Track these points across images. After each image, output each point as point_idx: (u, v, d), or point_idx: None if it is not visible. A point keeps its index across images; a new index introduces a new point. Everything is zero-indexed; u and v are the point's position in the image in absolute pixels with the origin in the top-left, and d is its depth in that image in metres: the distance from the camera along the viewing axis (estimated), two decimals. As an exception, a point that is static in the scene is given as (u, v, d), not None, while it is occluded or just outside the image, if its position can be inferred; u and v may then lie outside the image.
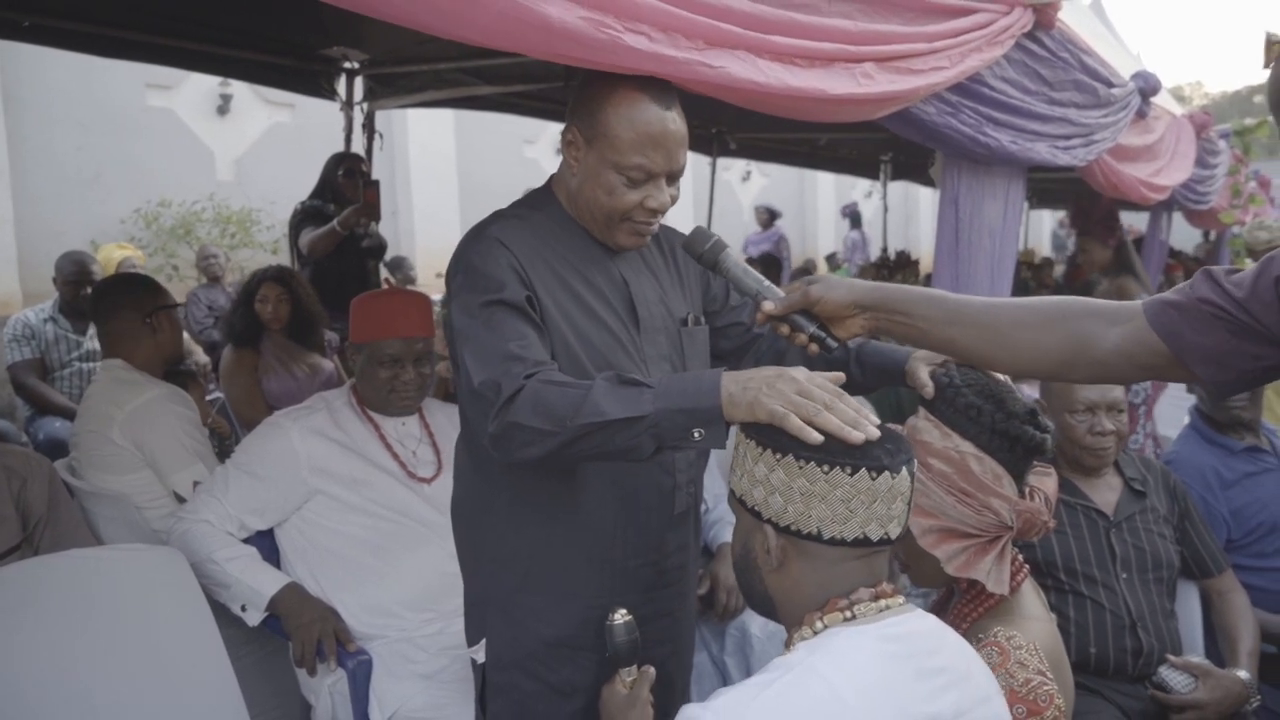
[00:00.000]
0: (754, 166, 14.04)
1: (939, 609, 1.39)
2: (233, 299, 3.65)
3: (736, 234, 11.83)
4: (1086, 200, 4.77)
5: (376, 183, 3.76)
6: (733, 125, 5.26)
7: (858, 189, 15.09)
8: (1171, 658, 1.85)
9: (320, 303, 3.50)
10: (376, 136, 4.14)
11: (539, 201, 1.44)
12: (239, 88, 8.59)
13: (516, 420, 1.16)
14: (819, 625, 1.01)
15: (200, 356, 4.61)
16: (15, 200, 7.22)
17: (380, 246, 4.24)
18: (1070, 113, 2.70)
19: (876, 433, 1.02)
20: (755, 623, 2.09)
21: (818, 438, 0.99)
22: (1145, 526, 1.98)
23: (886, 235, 8.78)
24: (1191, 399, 2.53)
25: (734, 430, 1.13)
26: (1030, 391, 3.07)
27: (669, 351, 1.43)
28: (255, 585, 1.86)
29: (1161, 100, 4.06)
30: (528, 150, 11.59)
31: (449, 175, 10.55)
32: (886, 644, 0.97)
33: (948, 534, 1.20)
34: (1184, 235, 7.89)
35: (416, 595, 1.93)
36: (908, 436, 1.26)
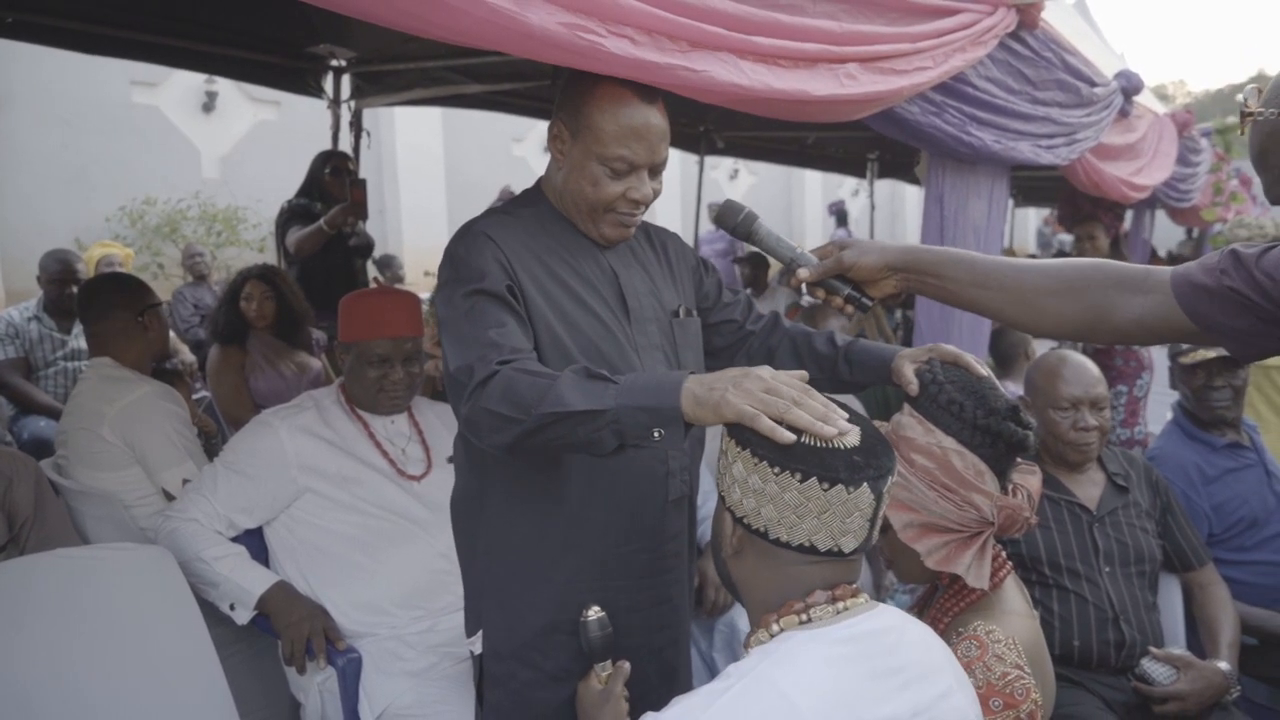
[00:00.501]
0: (742, 165, 14.06)
1: (922, 604, 1.40)
2: (218, 297, 3.63)
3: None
4: (1082, 198, 4.84)
5: (363, 181, 3.75)
6: (720, 124, 5.28)
7: (845, 187, 15.15)
8: (1154, 650, 1.88)
9: (307, 301, 3.49)
10: (364, 135, 4.13)
11: (528, 200, 1.47)
12: (225, 85, 8.55)
13: (486, 406, 1.18)
14: (775, 629, 1.01)
15: (186, 355, 4.58)
16: (-1, 198, 7.17)
17: (368, 245, 4.24)
18: (1053, 112, 2.72)
19: (848, 427, 1.00)
20: (743, 619, 2.10)
21: (789, 437, 0.98)
22: (1128, 521, 2.01)
23: (873, 233, 8.83)
24: (1175, 395, 2.55)
25: None
26: (1014, 388, 3.10)
27: (660, 342, 1.45)
28: (244, 584, 1.86)
29: (1144, 99, 4.10)
30: (515, 149, 11.57)
31: (436, 173, 10.53)
32: (841, 647, 0.96)
33: (929, 529, 1.22)
34: (1167, 233, 7.97)
35: (406, 593, 1.93)
36: (892, 432, 1.28)
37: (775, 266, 8.68)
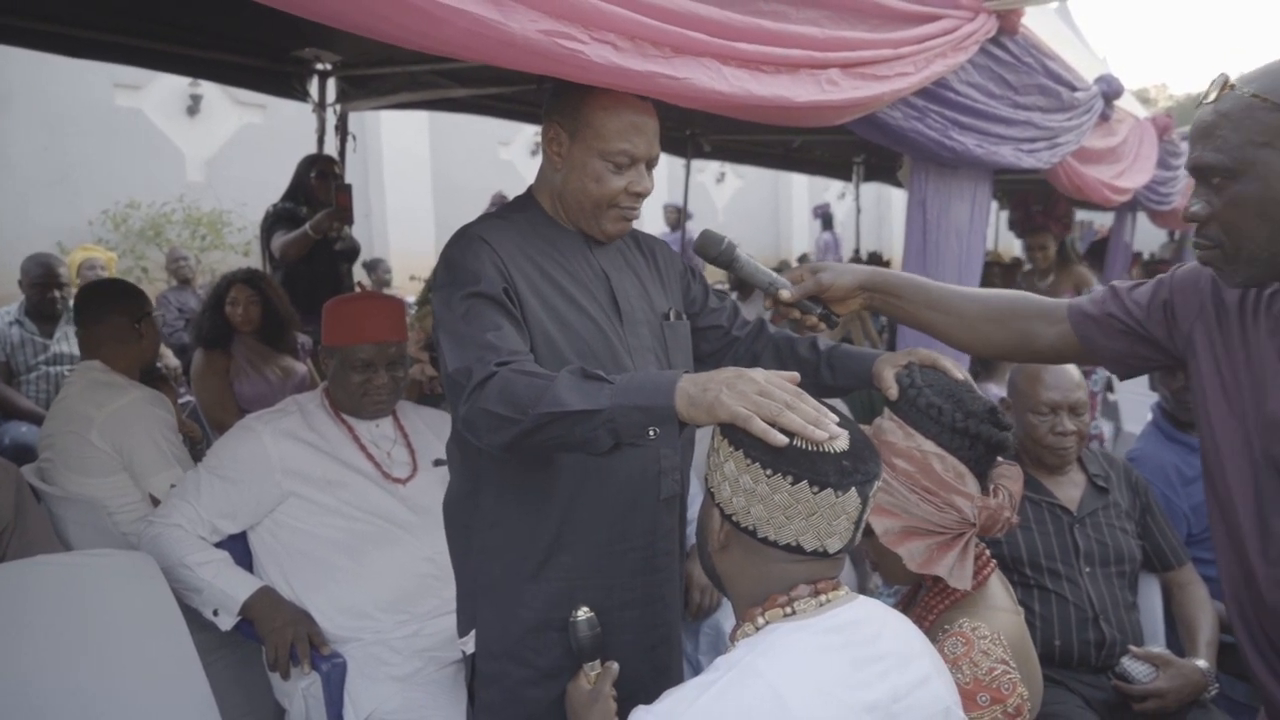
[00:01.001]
0: (728, 168, 14.10)
1: (906, 603, 1.42)
2: (203, 302, 3.62)
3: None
4: (1036, 207, 4.90)
5: (349, 186, 3.75)
6: (707, 127, 5.30)
7: (831, 190, 15.20)
8: (1133, 648, 1.90)
9: (293, 306, 3.48)
10: (349, 138, 4.12)
11: (521, 205, 1.50)
12: (209, 88, 8.51)
13: (484, 406, 1.20)
14: (760, 621, 1.04)
15: (170, 360, 4.56)
16: (-21, 201, 7.11)
17: (353, 249, 4.23)
18: (1034, 116, 2.75)
19: (838, 431, 1.03)
20: (729, 621, 2.11)
21: (783, 440, 1.00)
22: (1108, 521, 2.03)
23: (859, 236, 8.87)
24: (1154, 397, 2.58)
25: None
26: (998, 390, 3.12)
27: (652, 344, 1.47)
28: (227, 589, 1.85)
29: (1125, 103, 4.15)
30: (503, 152, 11.56)
31: (423, 177, 10.51)
32: (824, 637, 0.99)
33: (910, 532, 1.23)
34: (1149, 235, 8.04)
35: (391, 597, 1.93)
36: (873, 436, 1.29)
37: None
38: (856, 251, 8.44)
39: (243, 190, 8.39)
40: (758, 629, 1.04)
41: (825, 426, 1.02)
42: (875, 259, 7.65)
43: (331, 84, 3.91)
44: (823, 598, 1.03)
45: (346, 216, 3.69)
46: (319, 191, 3.88)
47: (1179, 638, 2.07)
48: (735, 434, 1.03)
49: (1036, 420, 2.02)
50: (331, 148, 4.08)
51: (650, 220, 10.26)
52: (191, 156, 8.92)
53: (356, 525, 1.96)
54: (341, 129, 4.07)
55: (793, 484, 0.99)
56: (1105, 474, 2.09)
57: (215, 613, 1.87)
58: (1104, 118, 3.59)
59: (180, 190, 8.54)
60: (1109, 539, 2.00)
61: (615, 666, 1.31)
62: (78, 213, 7.88)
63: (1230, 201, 1.09)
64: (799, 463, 0.99)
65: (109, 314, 2.45)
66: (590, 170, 1.38)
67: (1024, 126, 2.68)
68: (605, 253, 1.48)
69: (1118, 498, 2.07)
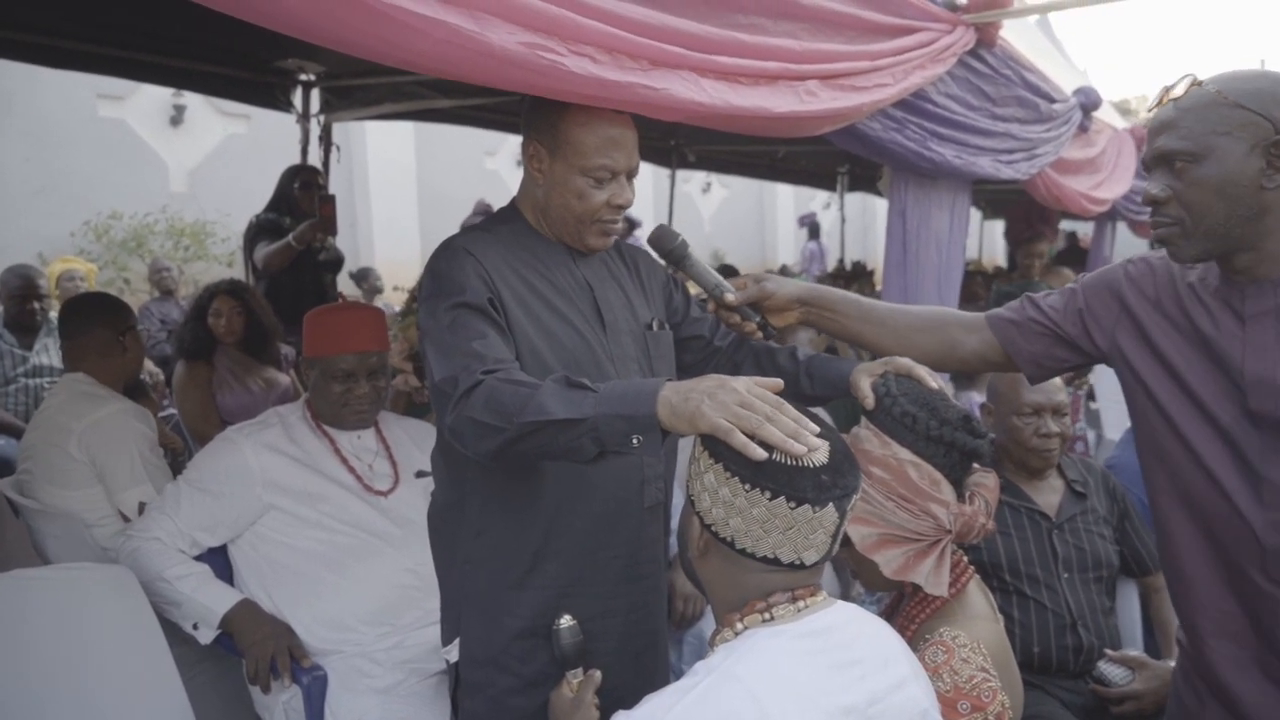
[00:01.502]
0: (714, 178, 14.16)
1: (889, 613, 1.42)
2: (185, 313, 3.60)
3: (694, 246, 11.92)
4: (1035, 215, 4.97)
5: (332, 197, 3.74)
6: (691, 138, 5.33)
7: (817, 200, 15.29)
8: (1109, 652, 1.92)
9: (276, 317, 3.47)
10: (334, 149, 4.12)
11: (505, 217, 1.52)
12: (193, 98, 8.48)
13: (471, 415, 1.21)
14: (739, 627, 1.05)
15: (150, 367, 4.53)
16: (-41, 213, 7.06)
17: (337, 260, 4.22)
18: (1013, 128, 2.79)
19: (817, 443, 1.03)
20: (713, 629, 2.11)
21: (762, 455, 1.00)
22: (1086, 527, 2.05)
23: (844, 246, 8.92)
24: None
25: None
26: (979, 397, 3.14)
27: (636, 354, 1.49)
28: (207, 603, 1.84)
29: (1104, 114, 4.20)
30: (488, 162, 11.57)
31: (409, 187, 10.50)
32: (802, 641, 1.00)
33: (887, 540, 1.24)
34: (1129, 246, 8.11)
35: (373, 609, 1.92)
36: (851, 445, 1.30)
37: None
38: (841, 261, 8.49)
39: (227, 201, 8.36)
40: (736, 634, 1.04)
41: (805, 440, 1.02)
42: (859, 269, 7.71)
43: (315, 95, 3.91)
44: (801, 603, 1.04)
45: (330, 227, 3.68)
46: (302, 202, 3.87)
47: (1156, 642, 2.09)
48: (715, 446, 1.04)
49: (1021, 423, 2.04)
50: (315, 158, 4.08)
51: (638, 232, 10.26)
52: (175, 167, 8.89)
53: (337, 538, 1.95)
54: (325, 140, 4.07)
55: (770, 499, 0.99)
56: (1083, 480, 2.11)
57: (195, 626, 1.85)
58: (1082, 129, 3.64)
59: (164, 201, 8.51)
60: (1087, 545, 2.02)
61: (598, 674, 1.31)
62: (60, 223, 7.83)
63: (1192, 182, 1.23)
64: (777, 478, 1.00)
65: (93, 327, 2.44)
66: (572, 187, 1.40)
67: (1002, 138, 2.71)
68: (589, 263, 1.50)
69: (1096, 504, 2.09)
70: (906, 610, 1.35)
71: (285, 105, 3.86)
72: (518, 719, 1.42)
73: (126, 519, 2.22)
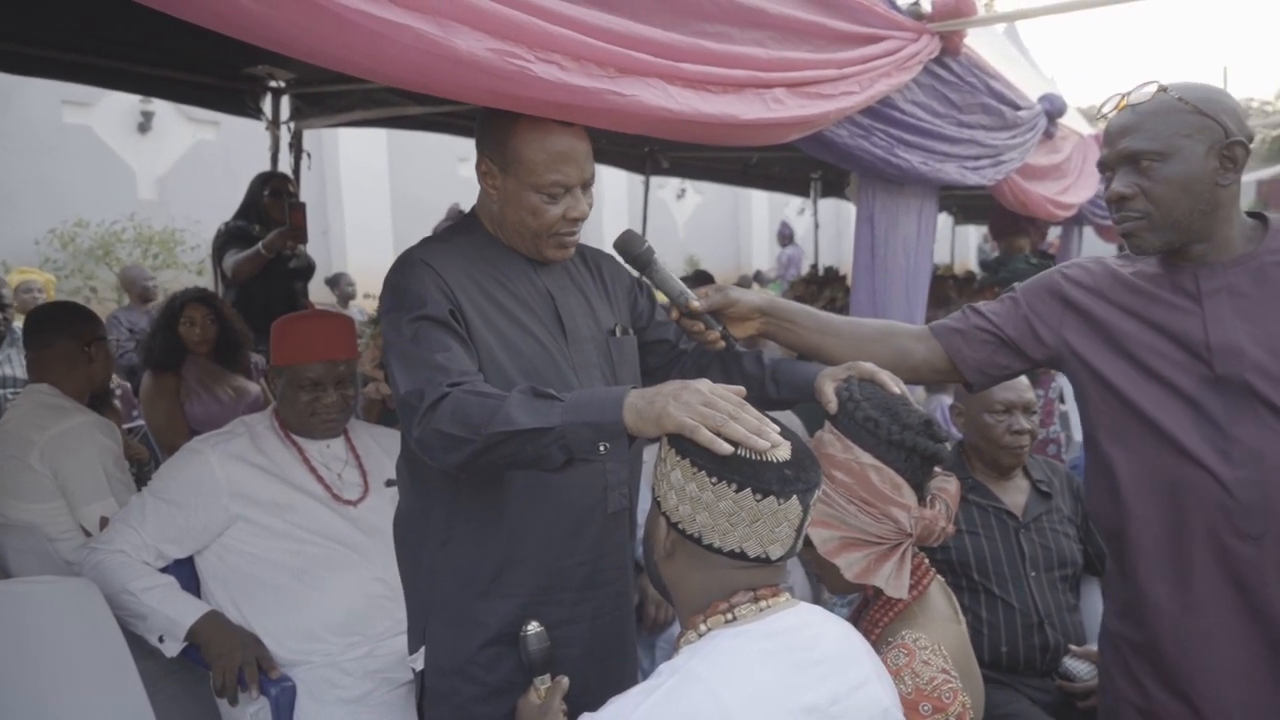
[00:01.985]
0: (689, 185, 14.21)
1: (856, 616, 1.44)
2: (154, 321, 3.54)
3: (669, 252, 11.94)
4: (1013, 213, 5.03)
5: (302, 205, 3.70)
6: (665, 144, 5.34)
7: (791, 206, 15.38)
8: (1073, 648, 1.95)
9: (247, 325, 3.44)
10: (304, 156, 4.08)
11: (464, 226, 1.51)
12: (161, 105, 8.38)
13: (438, 427, 1.22)
14: (703, 629, 1.06)
15: (118, 379, 4.46)
16: (-79, 221, 6.92)
17: (308, 267, 4.18)
18: (978, 134, 2.82)
19: (780, 440, 1.06)
20: (684, 635, 2.12)
21: (728, 449, 1.02)
22: (1051, 526, 2.08)
23: (818, 251, 8.98)
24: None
25: None
26: (948, 399, 3.18)
27: (598, 360, 1.49)
28: (173, 615, 1.82)
29: (1070, 120, 4.27)
30: (461, 168, 11.50)
31: (381, 193, 10.44)
32: (765, 642, 1.02)
33: (849, 543, 1.25)
34: (1096, 249, 8.24)
35: (342, 619, 1.91)
36: (815, 449, 1.31)
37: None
38: (814, 266, 8.55)
39: (196, 208, 8.27)
40: (700, 636, 1.06)
41: (767, 436, 1.05)
42: (831, 274, 7.77)
43: (285, 101, 3.88)
44: (763, 603, 1.06)
45: (300, 235, 3.65)
46: (272, 210, 3.83)
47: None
48: (682, 443, 1.06)
49: (993, 420, 2.07)
50: (286, 165, 4.04)
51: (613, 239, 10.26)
52: (143, 174, 8.77)
53: (306, 548, 1.93)
54: (296, 146, 4.03)
55: (736, 491, 1.02)
56: (1048, 480, 2.15)
57: (160, 639, 1.83)
58: (1048, 135, 3.69)
59: (131, 208, 8.39)
60: (1053, 544, 2.05)
61: (565, 681, 1.32)
62: (24, 232, 7.70)
63: (1160, 180, 1.34)
64: (743, 471, 1.02)
65: (58, 337, 2.41)
66: (525, 203, 1.39)
67: (968, 145, 2.75)
68: (549, 272, 1.50)
69: (1060, 503, 2.12)
70: (871, 614, 1.36)
71: (255, 112, 3.82)
72: None
73: (88, 534, 2.19)
